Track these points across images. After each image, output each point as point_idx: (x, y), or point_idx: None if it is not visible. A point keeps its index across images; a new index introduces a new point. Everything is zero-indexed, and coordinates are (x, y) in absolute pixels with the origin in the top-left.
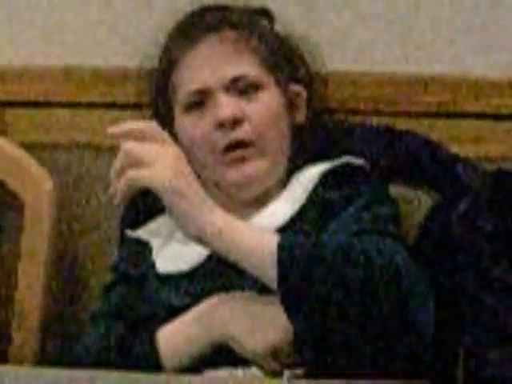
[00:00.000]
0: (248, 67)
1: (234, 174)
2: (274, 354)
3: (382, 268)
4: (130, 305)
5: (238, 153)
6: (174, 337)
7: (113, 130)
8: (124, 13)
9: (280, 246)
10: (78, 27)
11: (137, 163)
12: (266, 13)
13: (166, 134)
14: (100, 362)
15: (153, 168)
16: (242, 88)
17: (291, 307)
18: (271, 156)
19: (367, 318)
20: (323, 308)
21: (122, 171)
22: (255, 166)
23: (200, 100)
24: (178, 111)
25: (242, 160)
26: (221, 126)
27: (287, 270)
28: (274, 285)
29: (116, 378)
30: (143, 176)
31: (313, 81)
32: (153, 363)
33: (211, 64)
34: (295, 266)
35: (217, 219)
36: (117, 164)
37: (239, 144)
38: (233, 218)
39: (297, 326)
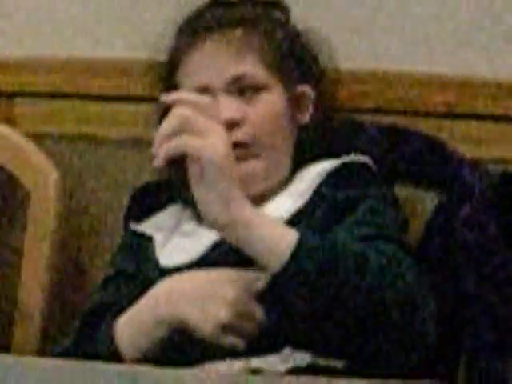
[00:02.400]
0: (251, 67)
1: None
2: (226, 330)
3: (391, 282)
4: (125, 300)
5: (236, 152)
6: (128, 325)
7: (169, 96)
8: (133, 5)
9: (299, 244)
10: (84, 19)
11: (191, 131)
12: (280, 5)
13: (218, 114)
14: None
15: (206, 140)
16: (243, 88)
17: (288, 297)
18: (270, 156)
19: (370, 324)
20: (323, 308)
21: (173, 134)
22: (252, 166)
23: None
24: None
25: (240, 159)
26: None
27: (300, 265)
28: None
29: (114, 370)
30: (197, 144)
31: (322, 79)
32: (112, 353)
33: (214, 63)
34: (309, 266)
35: (247, 209)
36: (168, 126)
37: (237, 145)
38: (261, 211)
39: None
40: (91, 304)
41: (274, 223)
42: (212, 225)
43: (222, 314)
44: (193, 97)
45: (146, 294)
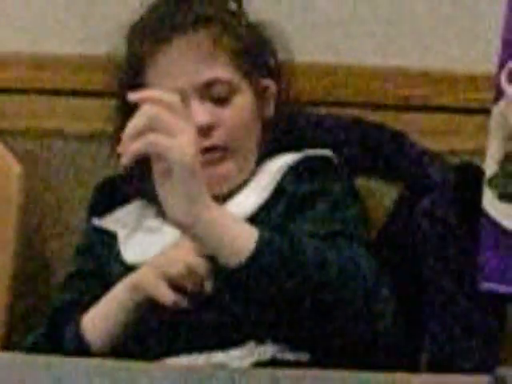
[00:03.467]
0: (221, 70)
1: (205, 175)
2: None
3: (349, 279)
4: (87, 298)
5: (211, 155)
6: (94, 315)
7: (137, 94)
8: (93, 2)
9: (258, 242)
10: (46, 16)
11: (159, 129)
12: None
13: (188, 113)
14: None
15: (175, 139)
16: (215, 93)
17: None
18: (242, 155)
19: (327, 318)
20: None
21: (141, 132)
22: (227, 167)
23: None
24: None
25: (214, 162)
26: None
27: (258, 262)
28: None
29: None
30: (165, 144)
31: (281, 73)
32: (79, 348)
33: (184, 66)
34: (269, 258)
35: (211, 208)
36: (136, 124)
37: (212, 148)
38: (225, 210)
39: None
40: (56, 303)
41: (235, 222)
42: (175, 223)
43: (169, 269)
44: (161, 94)
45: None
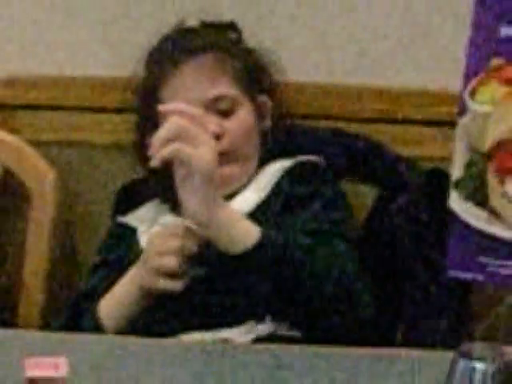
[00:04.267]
0: (225, 88)
1: None
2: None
3: (335, 272)
4: (110, 286)
5: (219, 159)
6: (109, 300)
7: (167, 106)
8: (114, 29)
9: (261, 234)
10: (75, 43)
11: (185, 139)
12: (234, 27)
13: (208, 127)
14: None
15: (198, 149)
16: (220, 107)
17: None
18: (244, 160)
19: (318, 304)
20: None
21: (169, 140)
22: (230, 170)
23: None
24: (163, 123)
25: (220, 164)
26: None
27: (260, 254)
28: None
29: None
30: (188, 152)
31: (275, 90)
32: (96, 330)
33: (193, 86)
34: (268, 250)
35: (223, 209)
36: (165, 133)
37: (219, 153)
38: (233, 209)
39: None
40: (80, 289)
41: (242, 221)
42: (193, 220)
43: (160, 263)
44: (187, 107)
45: None
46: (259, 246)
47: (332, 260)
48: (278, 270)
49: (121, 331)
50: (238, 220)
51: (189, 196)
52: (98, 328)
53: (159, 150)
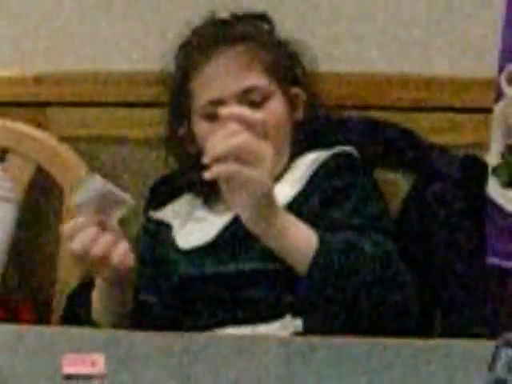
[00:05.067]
0: (257, 78)
1: None
2: None
3: (384, 270)
4: (145, 280)
5: None
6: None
7: (226, 110)
8: (146, 25)
9: (317, 253)
10: (107, 39)
11: (244, 159)
12: (266, 18)
13: (267, 130)
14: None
15: (255, 170)
16: (252, 98)
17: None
18: (276, 151)
19: (373, 299)
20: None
21: (226, 157)
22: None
23: (214, 110)
24: (195, 116)
25: None
26: None
27: (320, 264)
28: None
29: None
30: (245, 174)
31: (308, 81)
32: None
33: (224, 77)
34: (327, 263)
35: (279, 218)
36: (226, 148)
37: None
38: (289, 216)
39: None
40: None
41: (299, 228)
42: (250, 229)
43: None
44: (246, 113)
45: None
46: (319, 255)
47: (379, 255)
48: (336, 272)
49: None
50: (293, 227)
51: (241, 206)
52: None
53: (215, 164)
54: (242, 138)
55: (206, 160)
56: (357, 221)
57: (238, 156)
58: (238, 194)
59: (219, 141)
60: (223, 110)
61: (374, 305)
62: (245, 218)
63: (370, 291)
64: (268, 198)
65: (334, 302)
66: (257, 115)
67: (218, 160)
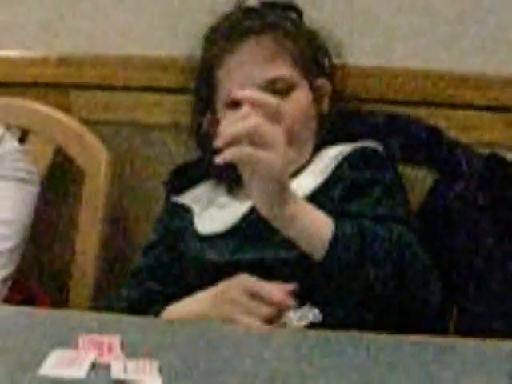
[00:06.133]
0: (283, 69)
1: None
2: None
3: (404, 255)
4: (164, 264)
5: None
6: (181, 310)
7: (241, 93)
8: (171, 7)
9: (334, 239)
10: (133, 23)
11: (257, 141)
12: (295, 7)
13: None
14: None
15: (269, 153)
16: (277, 89)
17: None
18: (300, 142)
19: (394, 293)
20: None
21: (239, 140)
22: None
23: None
24: (219, 104)
25: None
26: None
27: (336, 252)
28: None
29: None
30: (257, 157)
31: (334, 73)
32: None
33: (250, 66)
34: (344, 252)
35: (293, 204)
36: (237, 130)
37: None
38: (304, 203)
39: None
40: (134, 267)
41: (313, 214)
42: (263, 214)
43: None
44: (263, 97)
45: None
46: (335, 242)
47: (399, 242)
48: (354, 263)
49: None
50: (309, 213)
51: (255, 191)
52: None
53: (228, 147)
54: (254, 120)
55: (218, 144)
56: (379, 211)
57: (251, 139)
58: (251, 178)
59: (231, 124)
60: (238, 93)
61: (392, 292)
62: (256, 202)
63: (386, 278)
64: (280, 183)
65: (350, 289)
66: (271, 99)
67: (230, 144)
